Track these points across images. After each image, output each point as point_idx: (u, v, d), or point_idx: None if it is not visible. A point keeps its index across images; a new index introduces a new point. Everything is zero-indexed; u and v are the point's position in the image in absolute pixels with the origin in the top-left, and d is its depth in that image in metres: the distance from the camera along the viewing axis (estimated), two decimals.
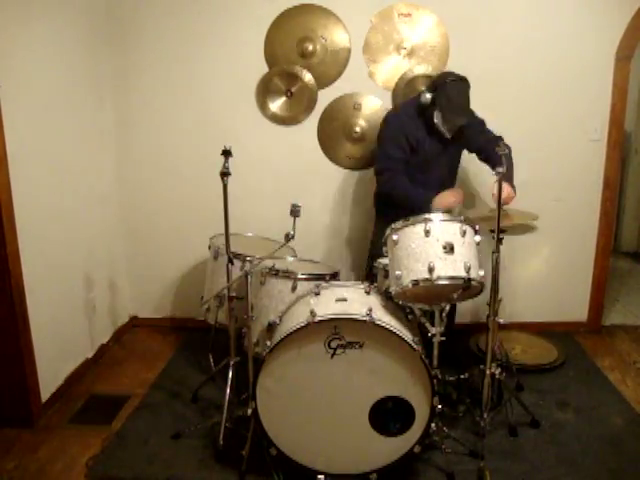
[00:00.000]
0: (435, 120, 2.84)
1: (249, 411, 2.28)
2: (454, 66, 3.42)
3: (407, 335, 2.22)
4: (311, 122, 3.58)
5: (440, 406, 2.29)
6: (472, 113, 2.99)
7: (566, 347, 3.56)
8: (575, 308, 3.78)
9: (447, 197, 2.77)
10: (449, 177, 3.09)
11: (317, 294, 2.46)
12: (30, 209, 2.78)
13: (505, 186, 2.44)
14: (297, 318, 2.28)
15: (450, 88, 2.76)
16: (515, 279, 3.71)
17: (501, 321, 2.53)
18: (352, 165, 3.64)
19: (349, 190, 3.66)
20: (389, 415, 2.25)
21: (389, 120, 2.95)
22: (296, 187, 3.68)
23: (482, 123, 3.07)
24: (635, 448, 2.58)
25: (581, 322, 3.80)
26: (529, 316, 3.79)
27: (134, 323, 3.94)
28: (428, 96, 2.81)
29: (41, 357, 2.84)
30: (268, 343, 2.28)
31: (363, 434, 2.27)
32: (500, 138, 2.96)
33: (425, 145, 2.90)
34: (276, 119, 3.59)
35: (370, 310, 2.21)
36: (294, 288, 2.63)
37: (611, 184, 3.59)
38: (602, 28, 3.37)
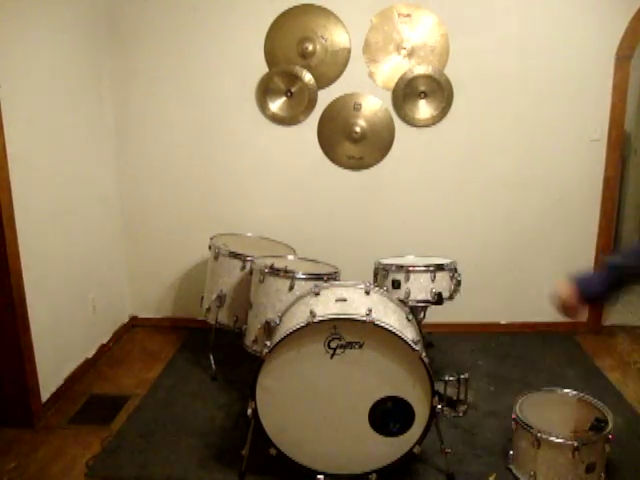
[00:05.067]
0: None
1: (249, 411, 2.28)
2: (454, 66, 3.43)
3: (407, 335, 2.22)
4: (311, 122, 3.58)
5: (440, 406, 2.29)
6: None
7: (566, 347, 3.56)
8: None
9: None
10: None
11: (317, 294, 2.46)
12: (30, 209, 2.78)
13: None
14: (297, 318, 2.28)
15: None
16: (515, 279, 3.71)
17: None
18: (352, 165, 3.63)
19: (349, 190, 3.66)
20: (389, 415, 2.25)
21: None
22: (296, 187, 3.68)
23: None
24: (635, 448, 2.58)
25: (581, 322, 3.79)
26: (529, 316, 3.80)
27: (134, 323, 3.94)
28: None
29: (41, 357, 2.84)
30: (268, 343, 2.28)
31: (363, 434, 2.27)
32: None
33: None
34: (276, 119, 3.59)
35: (370, 310, 2.21)
36: (291, 287, 2.64)
37: (611, 184, 3.59)
38: (602, 28, 3.37)
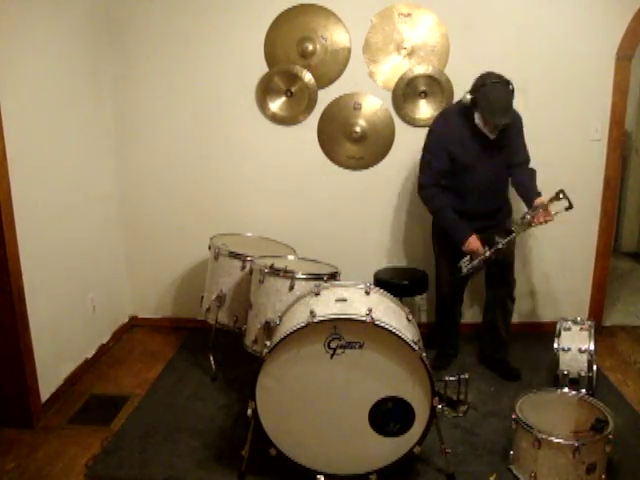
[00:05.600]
0: (476, 121, 2.87)
1: (249, 411, 2.28)
2: (454, 66, 3.43)
3: (407, 335, 2.22)
4: (311, 122, 3.58)
5: (440, 406, 2.29)
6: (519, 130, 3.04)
7: None
8: (575, 308, 3.77)
9: (474, 244, 2.93)
10: (491, 187, 3.02)
11: (317, 294, 2.45)
12: (30, 209, 2.78)
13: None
14: (297, 318, 2.28)
15: (489, 89, 2.77)
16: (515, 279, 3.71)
17: None
18: (352, 165, 3.63)
19: (349, 190, 3.66)
20: (389, 415, 2.25)
21: (433, 128, 3.03)
22: (296, 187, 3.68)
23: (524, 147, 3.08)
24: (636, 448, 2.58)
25: None
26: (529, 316, 3.79)
27: (134, 323, 3.93)
28: (468, 97, 2.85)
29: (41, 357, 2.84)
30: (268, 343, 2.28)
31: (363, 434, 2.27)
32: (532, 170, 3.08)
33: (467, 147, 2.92)
34: (276, 119, 3.58)
35: (370, 310, 2.21)
36: (291, 287, 2.64)
37: (611, 184, 3.59)
38: (602, 28, 3.37)
